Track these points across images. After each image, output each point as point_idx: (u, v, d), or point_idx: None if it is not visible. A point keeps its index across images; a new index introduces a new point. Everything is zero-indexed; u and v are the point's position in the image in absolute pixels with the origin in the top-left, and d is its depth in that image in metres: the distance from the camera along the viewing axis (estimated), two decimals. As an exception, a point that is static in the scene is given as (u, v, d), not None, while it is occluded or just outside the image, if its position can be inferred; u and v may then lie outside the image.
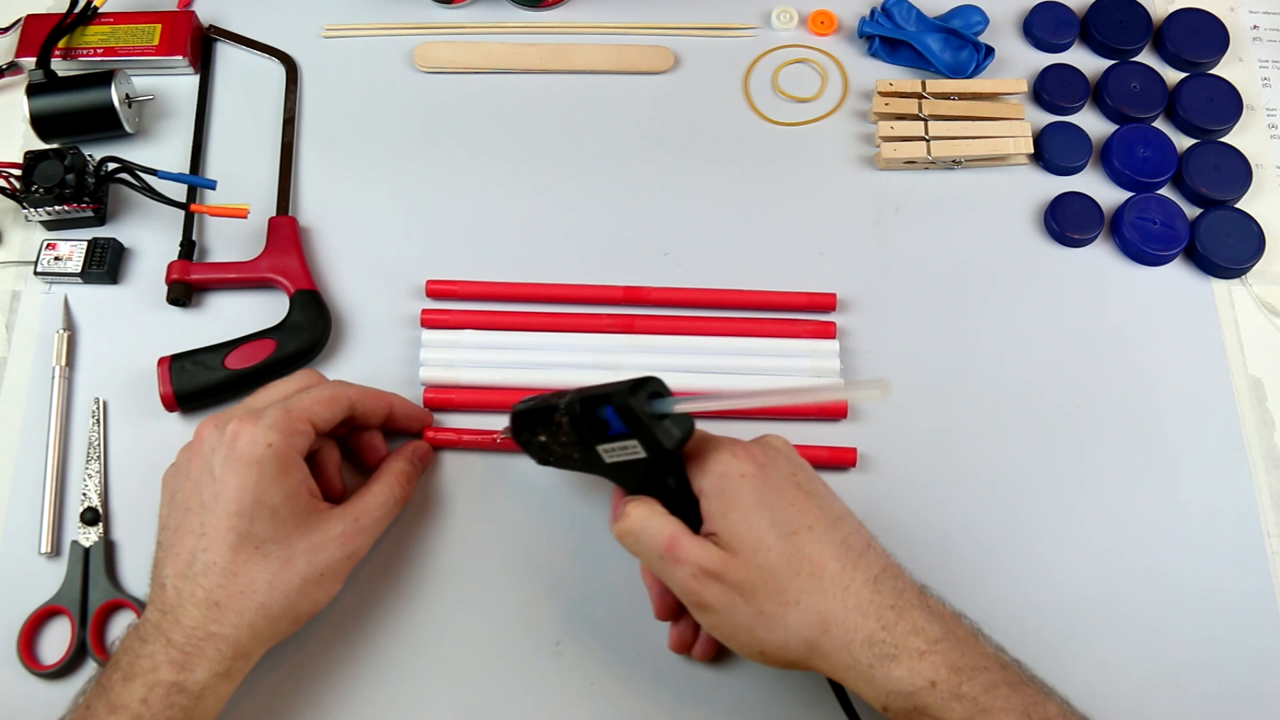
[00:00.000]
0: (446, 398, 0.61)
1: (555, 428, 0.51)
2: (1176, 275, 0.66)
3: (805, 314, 0.64)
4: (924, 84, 0.70)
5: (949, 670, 0.44)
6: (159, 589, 0.50)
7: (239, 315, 0.64)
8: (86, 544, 0.57)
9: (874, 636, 0.45)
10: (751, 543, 0.46)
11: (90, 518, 0.58)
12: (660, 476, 0.49)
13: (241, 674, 0.50)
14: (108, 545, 0.58)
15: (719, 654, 0.54)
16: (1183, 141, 0.70)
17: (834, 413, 0.61)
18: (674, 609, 0.53)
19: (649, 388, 0.47)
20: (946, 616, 0.46)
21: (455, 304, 0.65)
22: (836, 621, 0.45)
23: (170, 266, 0.64)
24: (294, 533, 0.51)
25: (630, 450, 0.48)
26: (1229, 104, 0.70)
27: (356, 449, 0.59)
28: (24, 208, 0.64)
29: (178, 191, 0.66)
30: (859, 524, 0.48)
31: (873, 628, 0.45)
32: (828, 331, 0.63)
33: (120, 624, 0.56)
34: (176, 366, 0.60)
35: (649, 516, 0.48)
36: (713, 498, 0.47)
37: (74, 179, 0.64)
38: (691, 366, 0.62)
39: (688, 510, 0.49)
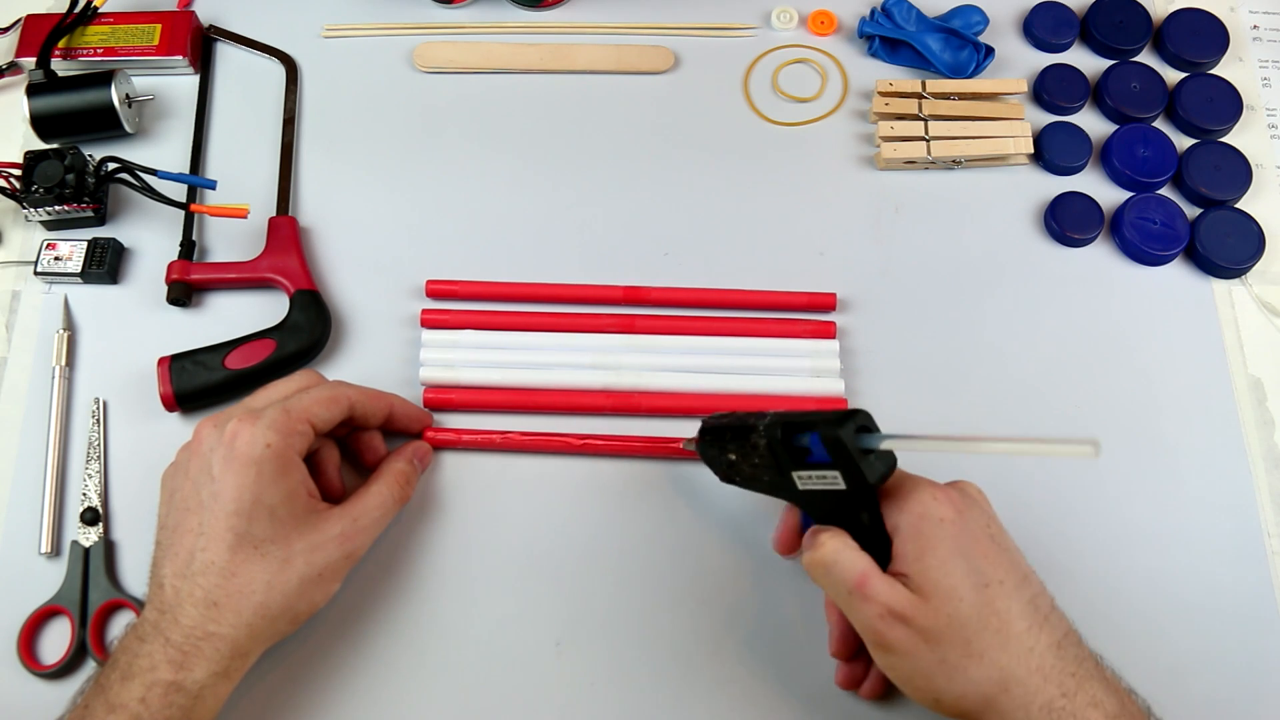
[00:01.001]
0: (446, 398, 0.61)
1: (750, 448, 0.50)
2: (1176, 275, 0.66)
3: (805, 314, 0.64)
4: (924, 84, 0.70)
5: None
6: (157, 588, 0.50)
7: (239, 315, 0.64)
8: (86, 544, 0.57)
9: (1053, 703, 0.44)
10: (945, 590, 0.45)
11: (90, 518, 0.58)
12: (854, 510, 0.48)
13: (240, 673, 0.50)
14: (108, 545, 0.58)
15: (886, 693, 0.53)
16: (1183, 141, 0.70)
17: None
18: (853, 648, 0.52)
19: (857, 420, 0.47)
20: (1122, 692, 0.45)
21: (455, 304, 0.65)
22: (1018, 681, 0.44)
23: (170, 266, 0.64)
24: (292, 533, 0.51)
25: (829, 481, 0.47)
26: (1229, 104, 0.70)
27: (356, 449, 0.59)
28: (24, 208, 0.64)
29: (178, 191, 0.66)
30: (1043, 585, 0.48)
31: (1053, 693, 0.44)
32: (828, 331, 0.63)
33: (120, 624, 0.56)
34: (176, 366, 0.60)
35: (842, 549, 0.47)
36: (908, 539, 0.47)
37: (74, 179, 0.64)
38: (692, 366, 0.62)
39: (876, 546, 0.48)
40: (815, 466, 0.48)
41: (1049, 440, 0.42)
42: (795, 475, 0.49)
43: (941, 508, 0.47)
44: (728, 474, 0.54)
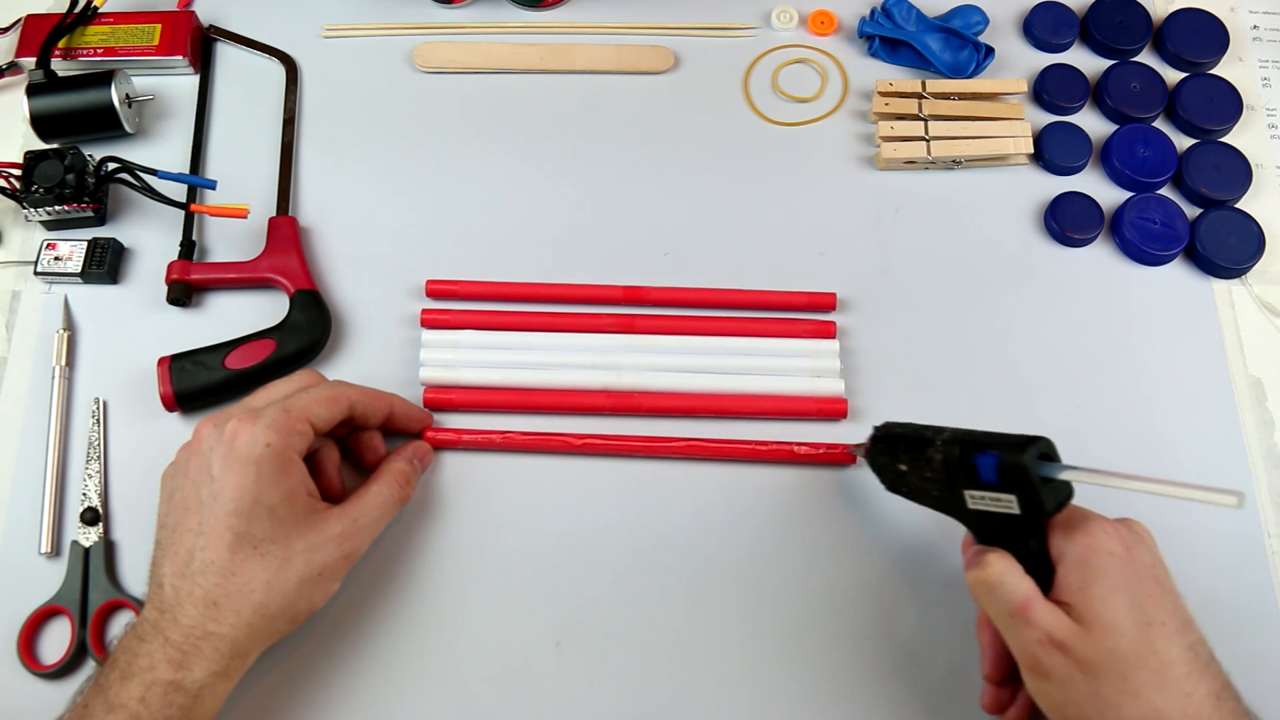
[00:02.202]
0: (446, 398, 0.61)
1: (924, 461, 0.50)
2: (1176, 275, 0.66)
3: (805, 314, 0.64)
4: (924, 84, 0.70)
5: None
6: (157, 588, 0.50)
7: (239, 315, 0.64)
8: (86, 544, 0.57)
9: None
10: (1107, 623, 0.45)
11: (90, 518, 0.58)
12: (1023, 535, 0.48)
13: (239, 673, 0.50)
14: (108, 545, 0.58)
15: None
16: (1183, 141, 0.70)
17: (834, 413, 0.61)
18: (1006, 672, 0.51)
19: (1038, 448, 0.47)
20: None
21: (455, 304, 0.65)
22: None
23: (170, 266, 0.64)
24: (292, 532, 0.51)
25: (1002, 504, 0.47)
26: (1229, 104, 0.70)
27: (356, 449, 0.59)
28: (24, 208, 0.64)
29: (178, 191, 0.66)
30: (1202, 635, 0.47)
31: None
32: (828, 331, 0.63)
33: (120, 624, 0.56)
34: (176, 366, 0.60)
35: (1008, 571, 0.47)
36: (1074, 569, 0.46)
37: (74, 179, 0.64)
38: (692, 366, 0.62)
39: (1039, 574, 0.47)
40: (988, 488, 0.47)
41: (1200, 486, 0.43)
42: (967, 494, 0.49)
43: (1111, 542, 0.46)
44: (895, 484, 0.54)
